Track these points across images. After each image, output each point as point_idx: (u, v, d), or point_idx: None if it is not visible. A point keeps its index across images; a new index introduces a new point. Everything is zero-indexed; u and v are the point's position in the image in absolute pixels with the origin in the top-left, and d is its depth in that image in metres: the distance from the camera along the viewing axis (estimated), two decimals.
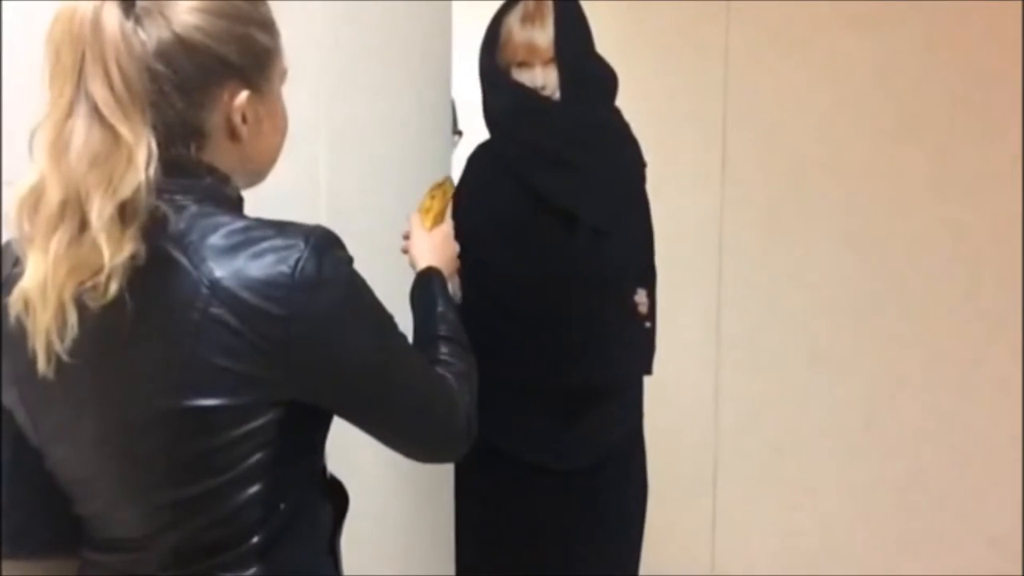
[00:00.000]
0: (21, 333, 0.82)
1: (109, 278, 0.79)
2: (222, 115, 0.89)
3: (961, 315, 2.58)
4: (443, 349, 1.13)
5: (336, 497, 1.05)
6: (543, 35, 1.73)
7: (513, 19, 1.75)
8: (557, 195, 1.75)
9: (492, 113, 1.79)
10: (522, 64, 1.74)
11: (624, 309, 1.88)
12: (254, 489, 0.89)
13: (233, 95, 0.89)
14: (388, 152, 1.63)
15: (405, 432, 1.01)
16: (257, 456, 0.88)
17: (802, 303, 2.80)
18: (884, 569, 2.73)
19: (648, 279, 2.00)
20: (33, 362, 0.82)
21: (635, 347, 1.95)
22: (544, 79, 1.74)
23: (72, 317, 0.79)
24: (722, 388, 2.95)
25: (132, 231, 0.80)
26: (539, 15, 1.74)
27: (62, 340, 0.80)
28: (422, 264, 1.32)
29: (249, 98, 0.90)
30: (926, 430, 2.65)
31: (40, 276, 0.78)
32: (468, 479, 1.79)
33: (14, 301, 0.80)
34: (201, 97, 0.87)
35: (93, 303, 0.80)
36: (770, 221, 2.83)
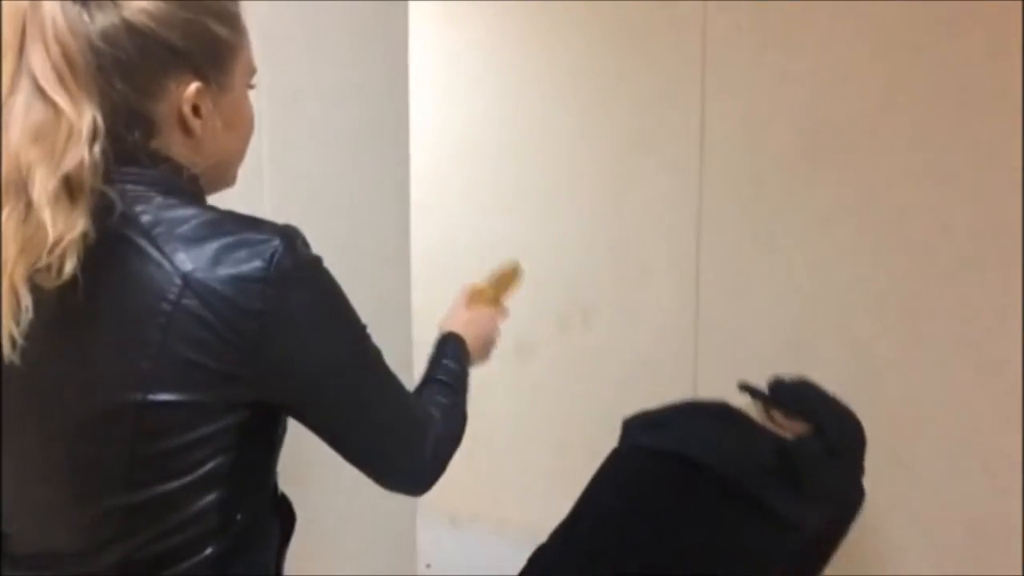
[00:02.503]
0: None
1: (63, 257, 0.77)
2: (171, 105, 0.87)
3: (947, 305, 2.56)
4: (434, 388, 1.13)
5: (284, 516, 1.03)
6: None
7: None
8: None
9: None
10: None
11: None
12: (211, 497, 0.87)
13: (182, 85, 0.87)
14: (338, 158, 1.57)
15: (366, 448, 0.98)
16: (216, 461, 0.86)
17: (783, 295, 2.78)
18: (868, 559, 2.71)
19: None
20: None
21: None
22: None
23: (26, 299, 0.77)
24: (700, 375, 2.92)
25: (81, 208, 0.78)
26: None
27: (17, 323, 0.78)
28: (447, 330, 1.29)
29: (201, 91, 0.88)
30: (909, 422, 2.63)
31: None
32: None
33: None
34: (146, 83, 0.85)
35: (48, 283, 0.78)
36: (750, 211, 2.81)
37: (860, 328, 2.68)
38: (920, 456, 2.63)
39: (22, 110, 0.78)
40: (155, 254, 0.82)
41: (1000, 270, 2.47)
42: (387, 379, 0.98)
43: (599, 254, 3.07)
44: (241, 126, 0.96)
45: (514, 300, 3.45)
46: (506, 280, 1.41)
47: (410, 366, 1.66)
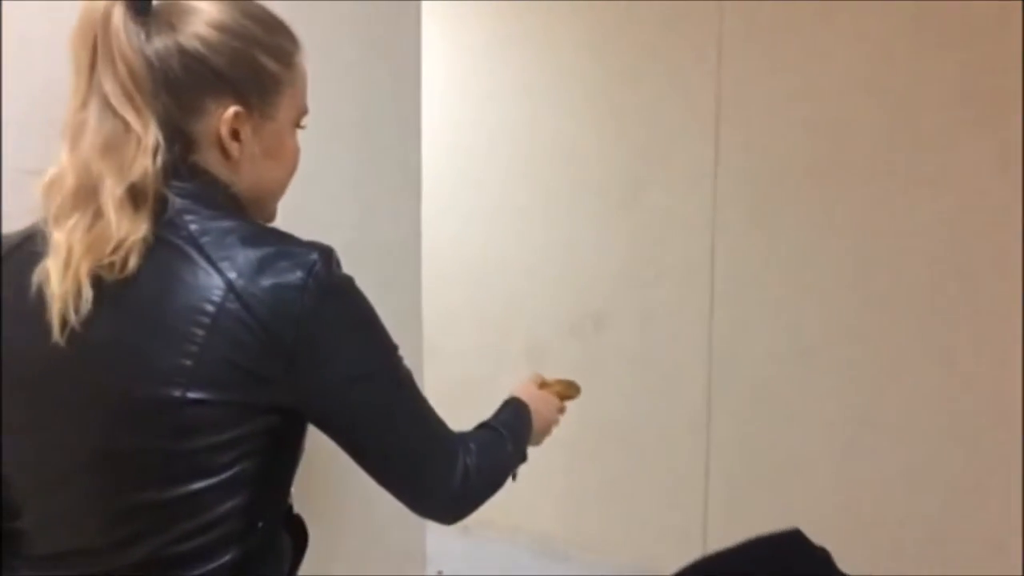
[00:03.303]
0: (37, 305, 0.86)
1: (128, 254, 0.85)
2: (210, 125, 0.92)
3: (956, 308, 2.54)
4: (482, 430, 1.15)
5: (297, 534, 1.05)
6: None
7: None
8: None
9: None
10: None
11: None
12: (236, 500, 0.89)
13: (221, 107, 0.92)
14: (349, 162, 1.56)
15: (393, 467, 0.99)
16: (244, 464, 0.89)
17: (795, 298, 2.77)
18: (878, 565, 2.69)
19: None
20: (36, 336, 0.86)
21: None
22: None
23: (87, 292, 0.84)
24: (714, 380, 2.91)
25: (144, 214, 0.86)
26: None
27: (76, 312, 0.84)
28: (515, 395, 1.30)
29: (240, 115, 0.93)
30: (920, 424, 2.62)
31: (62, 253, 0.85)
32: None
33: (38, 272, 0.86)
34: (188, 100, 0.91)
35: (111, 277, 0.85)
36: (763, 216, 2.80)
37: (874, 334, 2.66)
38: (929, 457, 2.61)
39: (93, 125, 0.86)
40: (202, 261, 0.87)
41: (1005, 273, 2.46)
42: (417, 400, 1.00)
43: (612, 259, 3.06)
44: (282, 159, 1.00)
45: (526, 304, 3.45)
46: (567, 387, 1.46)
47: (420, 372, 1.65)
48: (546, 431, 1.33)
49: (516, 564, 3.02)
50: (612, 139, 3.04)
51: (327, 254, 0.91)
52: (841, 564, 2.67)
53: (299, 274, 0.88)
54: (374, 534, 1.67)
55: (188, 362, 0.85)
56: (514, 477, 1.23)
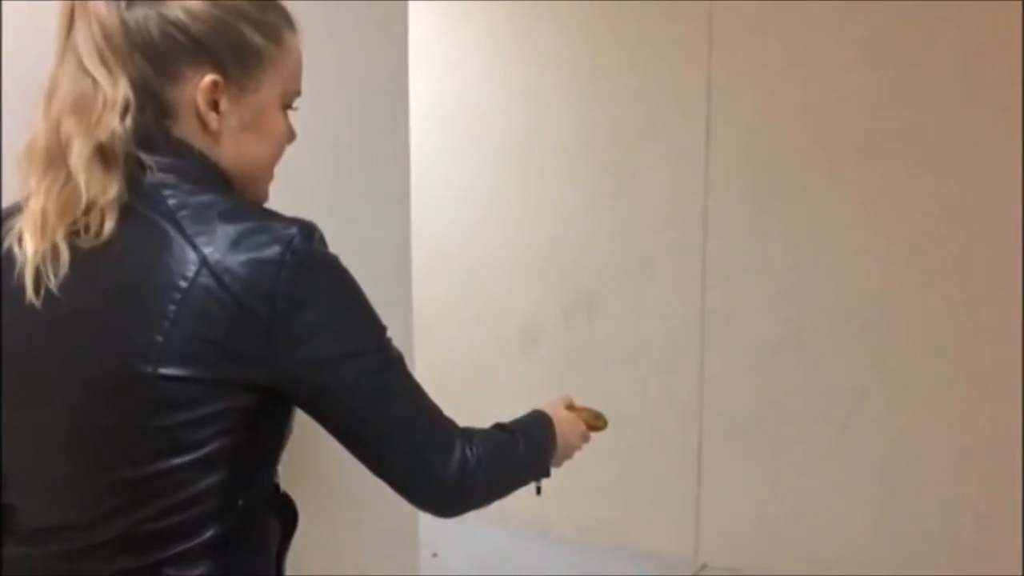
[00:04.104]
0: (18, 278, 0.85)
1: (103, 216, 0.85)
2: (186, 93, 0.90)
3: (951, 295, 2.55)
4: (494, 428, 1.09)
5: (286, 514, 1.03)
6: None
7: None
8: None
9: None
10: None
11: None
12: (214, 478, 0.88)
13: (198, 75, 0.90)
14: (336, 153, 1.56)
15: (380, 450, 0.95)
16: (221, 442, 0.87)
17: (787, 283, 2.77)
18: (870, 551, 2.72)
19: None
20: (18, 309, 0.86)
21: None
22: None
23: (65, 254, 0.84)
24: (707, 365, 2.92)
25: (114, 175, 0.85)
26: None
27: (55, 275, 0.84)
28: (542, 410, 1.25)
29: (219, 86, 0.91)
30: (914, 411, 2.63)
31: (37, 216, 0.85)
32: None
33: (10, 235, 0.86)
34: (164, 64, 0.89)
35: (87, 244, 0.84)
36: (754, 199, 2.80)
37: (865, 315, 2.67)
38: (923, 444, 2.63)
39: (66, 85, 0.86)
40: (179, 236, 0.85)
41: (1000, 258, 2.46)
42: (407, 383, 0.96)
43: (604, 244, 3.07)
44: (265, 135, 0.97)
45: (519, 289, 3.45)
46: (595, 417, 1.40)
47: (411, 360, 1.66)
48: (567, 454, 1.26)
49: (510, 547, 3.04)
50: (602, 124, 3.03)
51: (308, 229, 0.89)
52: (836, 547, 2.70)
53: (277, 248, 0.86)
54: (367, 516, 1.68)
55: (160, 337, 0.84)
56: (539, 491, 1.19)
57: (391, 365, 0.95)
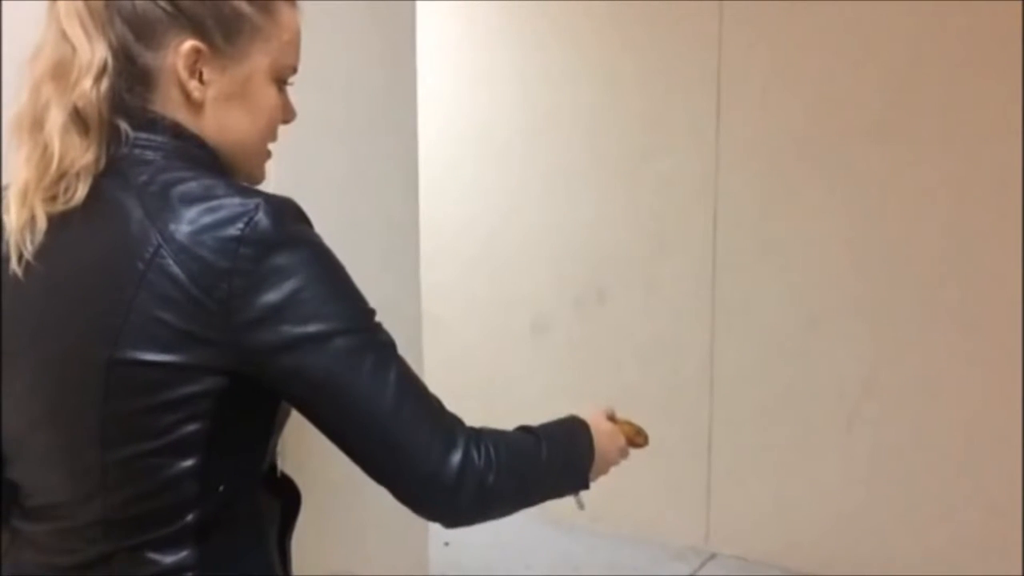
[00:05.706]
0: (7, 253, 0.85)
1: (77, 179, 0.83)
2: (168, 61, 0.87)
3: (961, 279, 2.54)
4: (514, 430, 0.98)
5: (287, 496, 1.01)
6: None
7: None
8: None
9: None
10: None
11: None
12: (187, 463, 0.85)
13: (179, 40, 0.87)
14: (345, 143, 1.55)
15: (371, 450, 0.86)
16: (191, 427, 0.84)
17: (799, 267, 2.77)
18: (881, 535, 2.71)
19: None
20: (7, 286, 0.86)
21: None
22: None
23: (42, 222, 0.83)
24: (717, 353, 2.92)
25: (91, 141, 0.84)
26: None
27: (31, 244, 0.83)
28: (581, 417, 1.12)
29: (202, 53, 0.87)
30: (924, 395, 2.62)
31: (20, 184, 0.85)
32: None
33: (3, 206, 0.87)
34: (145, 29, 0.87)
35: (61, 206, 0.84)
36: (765, 187, 2.79)
37: (876, 305, 2.66)
38: (936, 433, 2.62)
39: (47, 51, 0.86)
40: (140, 214, 0.83)
41: (1010, 242, 2.45)
42: (399, 372, 0.87)
43: (615, 233, 3.06)
44: (251, 107, 0.93)
45: (530, 278, 3.44)
46: (636, 433, 1.28)
47: (418, 347, 1.66)
48: (603, 469, 1.12)
49: (523, 534, 3.05)
50: (613, 114, 3.02)
51: (276, 205, 0.83)
52: (844, 533, 2.70)
53: (237, 226, 0.81)
54: (376, 504, 1.68)
55: (116, 321, 0.81)
56: (581, 505, 1.10)
57: (375, 349, 0.86)
